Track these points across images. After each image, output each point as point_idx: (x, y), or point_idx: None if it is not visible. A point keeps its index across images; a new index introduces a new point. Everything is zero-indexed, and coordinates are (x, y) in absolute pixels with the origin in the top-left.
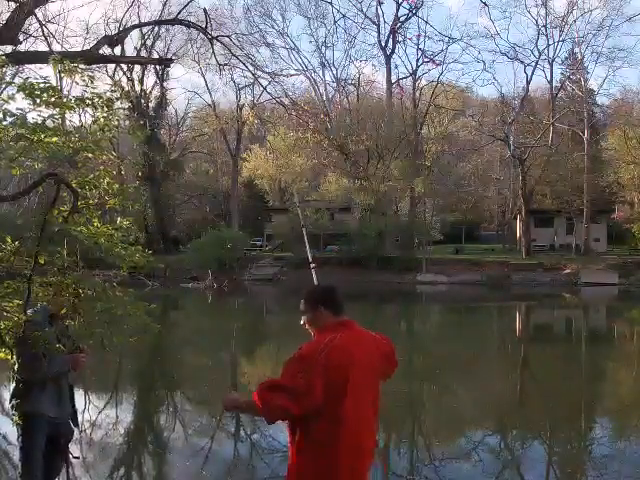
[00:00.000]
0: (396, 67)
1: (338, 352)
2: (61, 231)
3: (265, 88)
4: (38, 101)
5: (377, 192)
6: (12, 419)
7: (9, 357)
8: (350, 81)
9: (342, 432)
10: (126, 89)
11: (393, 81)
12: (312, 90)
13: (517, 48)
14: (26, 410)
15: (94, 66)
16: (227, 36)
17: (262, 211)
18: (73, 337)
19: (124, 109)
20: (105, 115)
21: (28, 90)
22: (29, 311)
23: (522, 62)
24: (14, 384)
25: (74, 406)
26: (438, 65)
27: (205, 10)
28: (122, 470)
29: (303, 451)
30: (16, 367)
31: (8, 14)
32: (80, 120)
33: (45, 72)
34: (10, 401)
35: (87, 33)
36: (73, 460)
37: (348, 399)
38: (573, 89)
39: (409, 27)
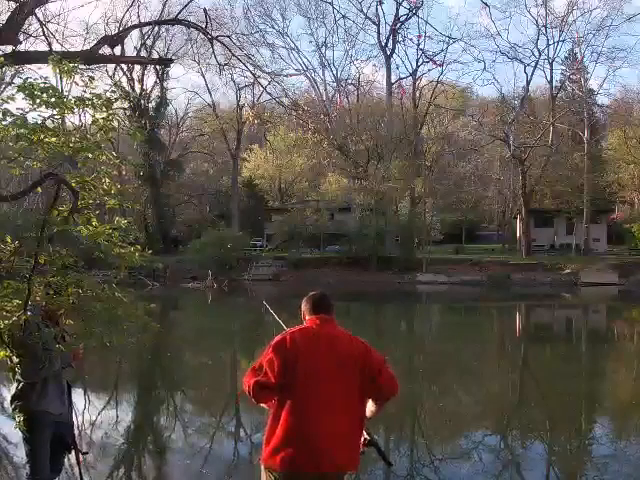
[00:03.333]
0: (397, 67)
1: (292, 340)
2: (61, 231)
3: (265, 88)
4: (38, 101)
5: (377, 192)
6: (15, 421)
7: (9, 356)
8: (350, 81)
9: (289, 408)
10: (126, 89)
11: (393, 81)
12: (312, 90)
13: (517, 48)
14: (31, 409)
15: (94, 66)
16: (227, 36)
17: (262, 211)
18: (70, 338)
19: (124, 109)
20: (104, 116)
21: (28, 90)
22: None
23: (522, 62)
24: (15, 385)
25: (70, 404)
26: (439, 65)
27: (205, 10)
28: (122, 470)
29: (270, 418)
30: (17, 369)
31: (8, 14)
32: (80, 120)
33: (45, 72)
34: (12, 402)
35: (87, 33)
36: (81, 456)
37: (298, 377)
38: (573, 89)
39: (409, 27)
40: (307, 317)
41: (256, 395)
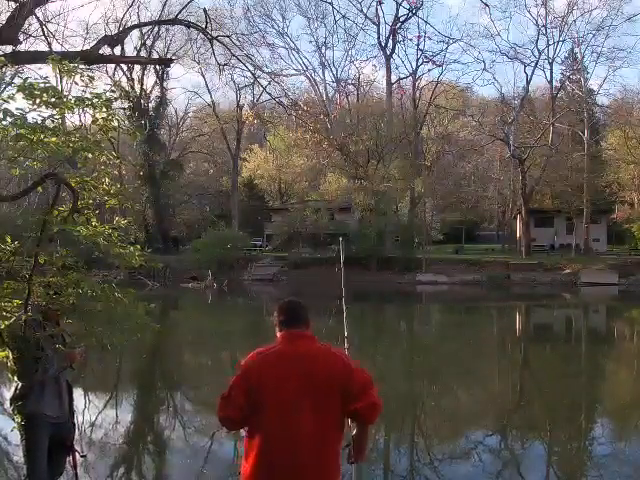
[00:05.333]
0: (397, 67)
1: (260, 365)
2: (61, 231)
3: (265, 88)
4: (38, 101)
5: (377, 192)
6: (14, 421)
7: (8, 356)
8: (350, 81)
9: (257, 442)
10: (126, 89)
11: (393, 81)
12: (312, 90)
13: (517, 48)
14: (28, 411)
15: (94, 66)
16: (227, 36)
17: (262, 211)
18: (70, 338)
19: (124, 109)
20: (104, 116)
21: (28, 90)
22: None
23: (522, 62)
24: (13, 386)
25: (72, 406)
26: (439, 66)
27: (205, 10)
28: (122, 470)
29: (244, 444)
30: (15, 371)
31: (8, 14)
32: (80, 120)
33: (45, 72)
34: (11, 404)
35: (87, 33)
36: (80, 458)
37: (266, 407)
38: (573, 89)
39: (409, 27)
40: (278, 332)
41: (227, 427)
